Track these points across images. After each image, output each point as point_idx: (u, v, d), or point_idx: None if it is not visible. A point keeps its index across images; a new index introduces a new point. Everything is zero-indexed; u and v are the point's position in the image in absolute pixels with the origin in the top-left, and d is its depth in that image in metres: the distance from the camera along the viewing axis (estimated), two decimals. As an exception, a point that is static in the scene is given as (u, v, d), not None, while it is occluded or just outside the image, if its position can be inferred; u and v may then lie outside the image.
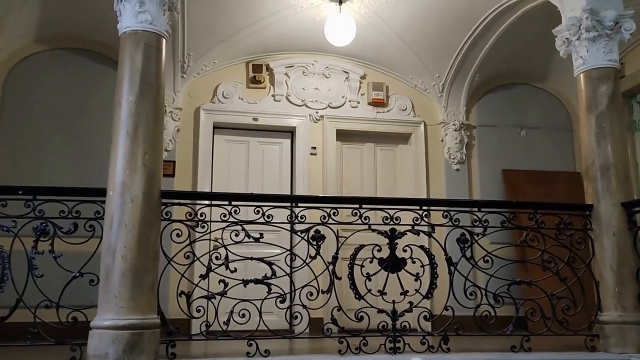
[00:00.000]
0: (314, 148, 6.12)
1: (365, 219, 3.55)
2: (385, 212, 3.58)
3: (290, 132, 6.23)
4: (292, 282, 3.49)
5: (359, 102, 6.31)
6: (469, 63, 6.15)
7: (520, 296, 3.91)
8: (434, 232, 3.65)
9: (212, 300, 3.33)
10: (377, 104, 6.33)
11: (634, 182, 5.84)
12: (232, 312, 3.26)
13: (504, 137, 6.58)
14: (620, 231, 3.70)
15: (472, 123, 6.54)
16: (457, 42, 5.94)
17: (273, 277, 3.42)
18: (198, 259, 3.42)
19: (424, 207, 3.69)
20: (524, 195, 6.08)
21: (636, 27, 3.95)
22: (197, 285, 3.30)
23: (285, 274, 3.44)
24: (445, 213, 3.68)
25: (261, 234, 3.40)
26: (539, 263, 3.75)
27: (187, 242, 3.31)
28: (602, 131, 3.86)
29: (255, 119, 6.06)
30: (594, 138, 3.89)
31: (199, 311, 3.26)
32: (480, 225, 3.68)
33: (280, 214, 3.52)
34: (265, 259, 3.44)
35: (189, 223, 3.38)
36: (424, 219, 3.65)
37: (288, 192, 5.99)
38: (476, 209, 3.77)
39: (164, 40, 3.45)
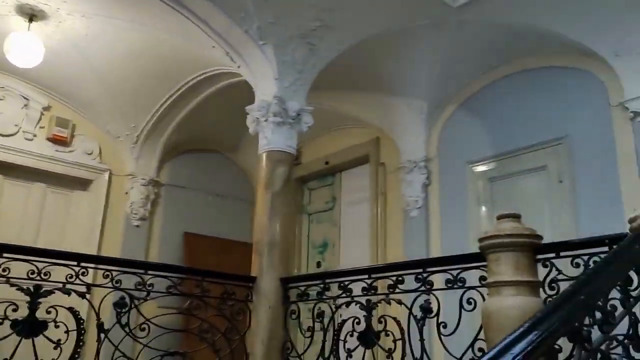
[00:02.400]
0: (-33, 178, 5.06)
1: (4, 270, 2.95)
2: (33, 264, 3.05)
3: (-63, 154, 5.04)
4: None
5: (35, 135, 5.54)
6: (168, 120, 6.07)
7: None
8: (89, 293, 3.25)
9: None
10: (58, 141, 5.66)
11: (297, 260, 6.50)
12: None
13: (192, 200, 6.60)
14: (276, 305, 3.92)
15: (161, 180, 6.39)
16: (159, 97, 5.81)
17: None
18: None
19: (83, 264, 3.28)
20: (202, 261, 6.09)
21: (313, 123, 4.46)
22: None
23: None
24: (107, 273, 3.34)
25: None
26: (196, 333, 3.68)
27: None
28: (274, 210, 4.14)
29: None
30: (267, 215, 4.13)
31: None
32: (144, 289, 3.44)
33: None
34: None
35: None
36: (80, 277, 3.23)
37: None
38: (142, 271, 3.53)
39: None
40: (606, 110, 4.13)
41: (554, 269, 2.60)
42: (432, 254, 4.92)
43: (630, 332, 1.77)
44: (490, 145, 4.86)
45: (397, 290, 3.30)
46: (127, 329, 3.30)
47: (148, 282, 3.46)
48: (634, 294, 1.82)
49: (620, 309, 1.78)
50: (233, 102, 5.84)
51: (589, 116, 4.24)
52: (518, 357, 1.36)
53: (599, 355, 1.61)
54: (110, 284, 3.32)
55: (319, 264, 6.39)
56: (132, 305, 3.37)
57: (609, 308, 1.71)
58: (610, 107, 4.12)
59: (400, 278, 3.30)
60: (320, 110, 4.71)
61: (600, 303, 1.69)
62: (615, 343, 1.71)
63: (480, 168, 4.91)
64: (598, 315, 1.68)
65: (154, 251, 6.13)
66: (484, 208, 4.83)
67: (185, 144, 6.60)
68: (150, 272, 3.54)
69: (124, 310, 3.32)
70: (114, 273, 3.35)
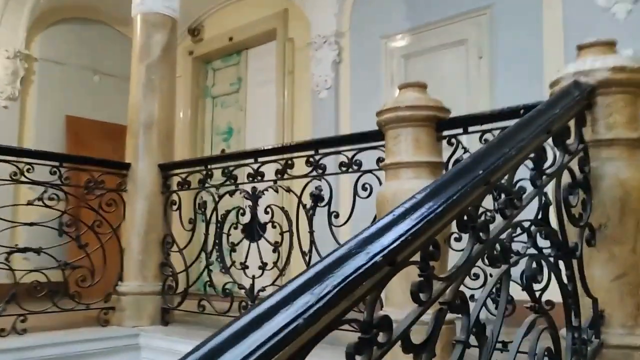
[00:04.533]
0: None
1: None
2: None
3: None
4: None
5: None
6: (33, -22, 5.03)
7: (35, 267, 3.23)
8: None
9: None
10: None
11: (199, 148, 5.91)
12: None
13: (74, 79, 5.70)
14: (154, 195, 3.41)
15: (33, 54, 5.41)
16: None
17: None
18: None
19: None
20: (89, 149, 5.36)
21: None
22: None
23: None
24: None
25: None
26: (56, 227, 3.12)
27: None
28: (151, 84, 3.49)
29: None
30: (141, 90, 3.49)
31: None
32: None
33: None
34: None
35: None
36: None
37: None
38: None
39: None
40: (537, -26, 3.62)
41: (460, 147, 2.20)
42: (341, 139, 4.47)
43: (540, 216, 1.37)
44: (407, 17, 4.28)
45: (286, 175, 2.84)
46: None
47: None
48: (548, 170, 1.40)
49: (529, 189, 1.35)
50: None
51: (517, -19, 3.72)
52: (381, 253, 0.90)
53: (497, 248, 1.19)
54: None
55: (223, 152, 5.84)
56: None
57: (515, 188, 1.27)
58: (542, -29, 3.61)
59: (289, 162, 2.83)
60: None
61: (504, 181, 1.26)
62: (519, 231, 1.31)
63: (395, 44, 4.36)
64: (501, 196, 1.25)
65: (30, 137, 5.31)
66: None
67: (63, 11, 5.58)
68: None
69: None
70: None
